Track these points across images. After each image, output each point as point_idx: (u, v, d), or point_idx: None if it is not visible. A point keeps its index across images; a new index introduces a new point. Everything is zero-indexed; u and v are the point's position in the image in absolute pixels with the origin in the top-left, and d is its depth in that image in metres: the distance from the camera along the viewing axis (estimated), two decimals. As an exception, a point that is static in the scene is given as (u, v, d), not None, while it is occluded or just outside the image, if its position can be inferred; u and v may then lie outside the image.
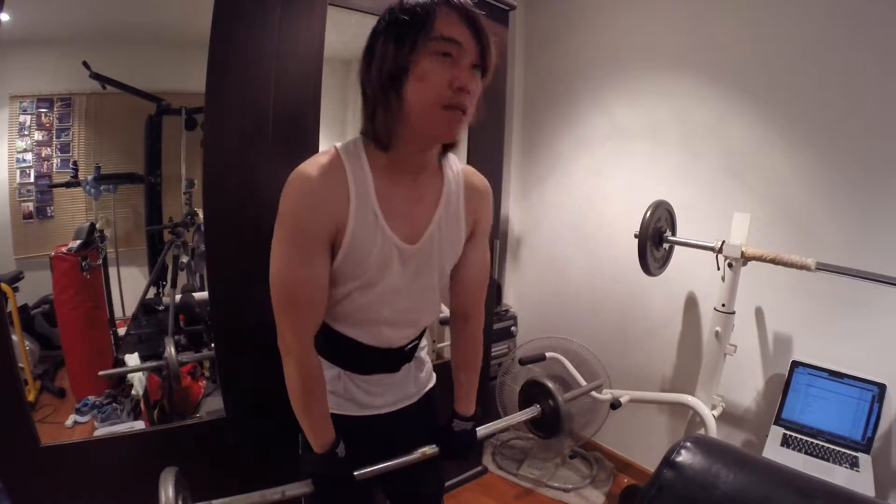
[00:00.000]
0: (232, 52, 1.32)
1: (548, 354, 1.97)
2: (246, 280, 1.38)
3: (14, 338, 1.29)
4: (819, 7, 1.61)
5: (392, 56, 0.78)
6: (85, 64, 1.57)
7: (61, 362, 1.71)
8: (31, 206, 1.65)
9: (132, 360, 1.76)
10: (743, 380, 1.86)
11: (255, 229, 1.36)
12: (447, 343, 2.28)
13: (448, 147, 0.91)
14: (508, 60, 2.45)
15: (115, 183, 1.76)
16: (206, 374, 1.95)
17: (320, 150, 1.29)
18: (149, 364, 1.72)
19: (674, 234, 1.82)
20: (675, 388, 2.08)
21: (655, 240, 1.74)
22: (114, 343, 1.82)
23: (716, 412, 1.71)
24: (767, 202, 1.78)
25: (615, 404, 1.82)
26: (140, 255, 1.88)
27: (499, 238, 2.24)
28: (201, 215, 1.68)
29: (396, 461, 1.02)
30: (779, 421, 1.63)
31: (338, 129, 1.90)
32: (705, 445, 0.52)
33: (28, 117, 1.61)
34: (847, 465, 1.45)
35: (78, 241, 1.68)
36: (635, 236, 1.71)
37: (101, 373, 1.66)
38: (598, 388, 1.85)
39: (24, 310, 1.64)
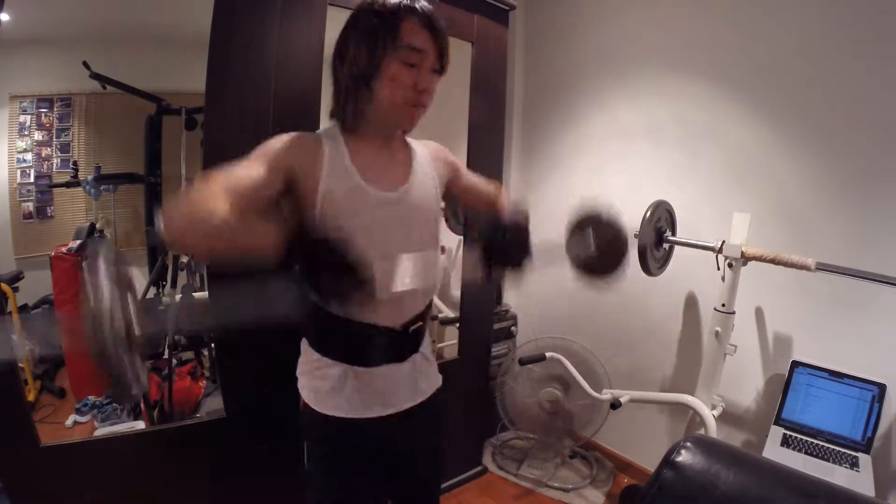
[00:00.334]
0: (232, 52, 1.32)
1: (548, 354, 1.97)
2: (246, 280, 1.38)
3: (14, 338, 1.29)
4: (819, 8, 1.61)
5: (364, 57, 0.90)
6: (85, 64, 1.57)
7: (61, 362, 1.71)
8: (31, 206, 1.65)
9: (132, 359, 1.75)
10: (743, 380, 1.86)
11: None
12: (447, 343, 2.29)
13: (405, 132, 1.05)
14: (508, 60, 2.45)
15: (115, 183, 1.76)
16: (206, 374, 1.95)
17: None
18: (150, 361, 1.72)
19: (674, 234, 1.82)
20: (675, 388, 2.08)
21: (655, 240, 1.74)
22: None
23: (716, 412, 1.71)
24: (767, 202, 1.78)
25: (615, 404, 1.82)
26: (140, 255, 1.88)
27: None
28: (201, 215, 1.67)
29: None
30: (779, 421, 1.63)
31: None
32: (705, 445, 0.52)
33: (28, 117, 1.61)
34: (847, 465, 1.45)
35: (78, 241, 1.68)
36: (635, 236, 1.71)
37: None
38: (598, 388, 1.86)
39: (24, 310, 1.64)
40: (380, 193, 0.94)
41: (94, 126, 1.69)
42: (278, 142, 0.90)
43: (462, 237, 1.80)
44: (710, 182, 1.94)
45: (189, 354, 2.00)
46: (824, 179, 1.66)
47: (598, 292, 2.33)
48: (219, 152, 1.33)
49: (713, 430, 1.65)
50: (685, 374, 2.05)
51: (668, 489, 0.50)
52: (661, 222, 1.77)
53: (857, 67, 1.55)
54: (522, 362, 1.98)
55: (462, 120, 1.92)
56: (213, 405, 1.67)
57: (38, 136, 1.63)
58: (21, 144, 1.62)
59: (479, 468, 2.25)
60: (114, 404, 1.68)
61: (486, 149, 1.99)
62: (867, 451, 1.49)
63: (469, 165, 1.69)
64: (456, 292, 2.20)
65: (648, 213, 1.70)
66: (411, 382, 1.05)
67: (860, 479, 1.39)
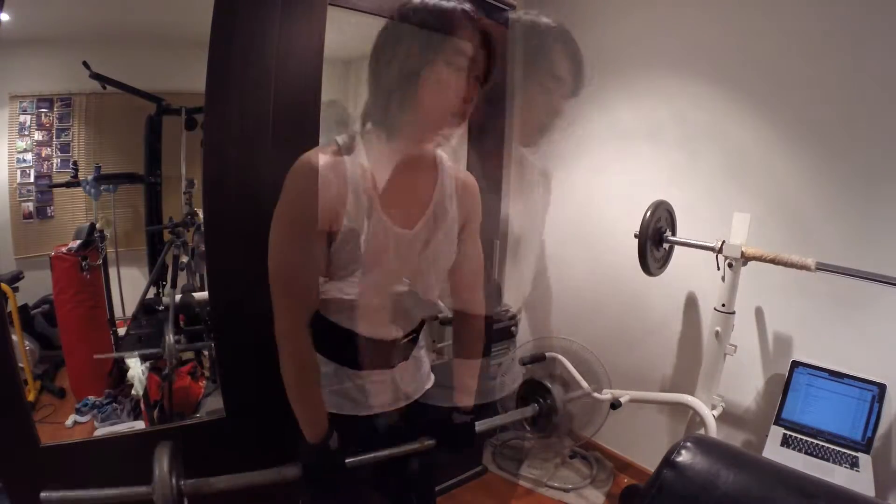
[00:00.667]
0: (232, 52, 1.32)
1: (548, 354, 1.97)
2: (246, 280, 1.38)
3: (14, 338, 1.29)
4: (819, 8, 1.61)
5: (416, 55, 0.86)
6: (85, 64, 1.57)
7: (61, 362, 1.71)
8: (31, 206, 1.65)
9: (132, 360, 1.76)
10: (743, 380, 1.86)
11: (255, 229, 1.36)
12: (447, 343, 2.29)
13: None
14: (508, 60, 2.45)
15: (115, 183, 1.76)
16: (206, 374, 1.95)
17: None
18: (149, 350, 1.72)
19: (674, 234, 1.82)
20: (675, 388, 2.08)
21: (655, 240, 1.74)
22: (114, 343, 1.82)
23: (716, 412, 1.71)
24: (767, 202, 1.77)
25: (615, 404, 1.82)
26: (140, 255, 1.88)
27: (499, 238, 2.24)
28: (201, 215, 1.68)
29: (391, 451, 1.02)
30: (779, 421, 1.63)
31: (338, 130, 1.90)
32: (705, 445, 0.52)
33: (28, 117, 1.61)
34: (847, 465, 1.45)
35: (78, 241, 1.68)
36: (635, 236, 1.71)
37: (97, 356, 1.66)
38: (598, 389, 1.85)
39: (24, 310, 1.64)
40: (397, 230, 0.93)
41: (94, 126, 1.69)
42: (308, 197, 0.86)
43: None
44: (709, 182, 1.94)
45: (189, 354, 1.99)
46: (824, 179, 1.66)
47: (599, 292, 2.34)
48: (219, 152, 1.34)
49: (713, 430, 1.65)
50: (685, 374, 2.05)
51: (668, 489, 0.50)
52: (661, 222, 1.77)
53: (857, 67, 1.55)
54: (522, 362, 1.98)
55: (462, 120, 1.92)
56: (213, 405, 1.67)
57: (38, 136, 1.63)
58: (21, 144, 1.61)
59: (479, 468, 2.25)
60: (114, 404, 1.69)
61: (487, 149, 1.98)
62: (867, 451, 1.49)
63: (469, 166, 1.69)
64: (456, 292, 2.19)
65: (648, 213, 1.70)
66: (400, 384, 1.07)
67: (860, 479, 1.39)
